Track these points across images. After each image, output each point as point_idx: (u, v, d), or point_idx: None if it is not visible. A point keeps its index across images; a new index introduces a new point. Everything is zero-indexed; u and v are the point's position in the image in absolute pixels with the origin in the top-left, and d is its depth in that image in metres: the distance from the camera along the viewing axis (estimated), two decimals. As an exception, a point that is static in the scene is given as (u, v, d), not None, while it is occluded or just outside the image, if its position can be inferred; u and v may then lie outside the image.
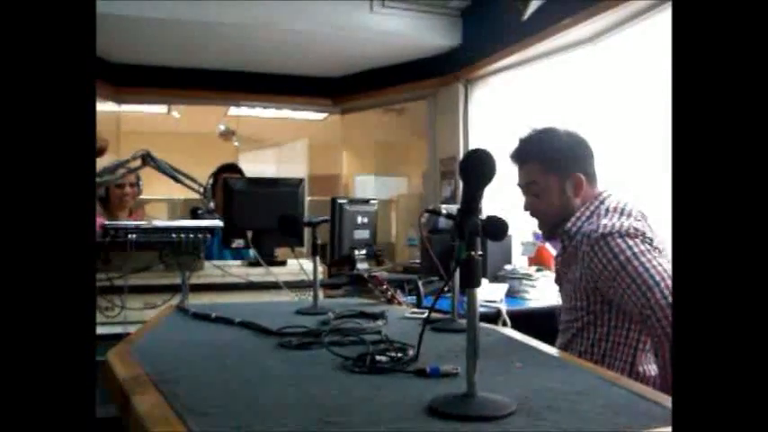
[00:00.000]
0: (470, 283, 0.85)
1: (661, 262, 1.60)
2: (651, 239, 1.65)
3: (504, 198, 2.61)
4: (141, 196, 3.64)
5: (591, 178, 1.82)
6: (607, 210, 1.74)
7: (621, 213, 1.72)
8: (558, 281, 1.88)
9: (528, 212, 1.88)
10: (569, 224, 1.79)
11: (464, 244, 0.85)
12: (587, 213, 1.77)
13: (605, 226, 1.66)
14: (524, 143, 1.85)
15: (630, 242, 1.61)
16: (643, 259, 1.59)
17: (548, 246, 3.60)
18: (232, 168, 3.84)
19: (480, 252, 0.85)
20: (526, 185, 1.86)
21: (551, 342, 1.31)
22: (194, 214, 3.75)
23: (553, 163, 1.80)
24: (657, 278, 1.56)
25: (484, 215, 0.89)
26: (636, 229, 1.63)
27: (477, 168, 0.84)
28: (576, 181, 1.79)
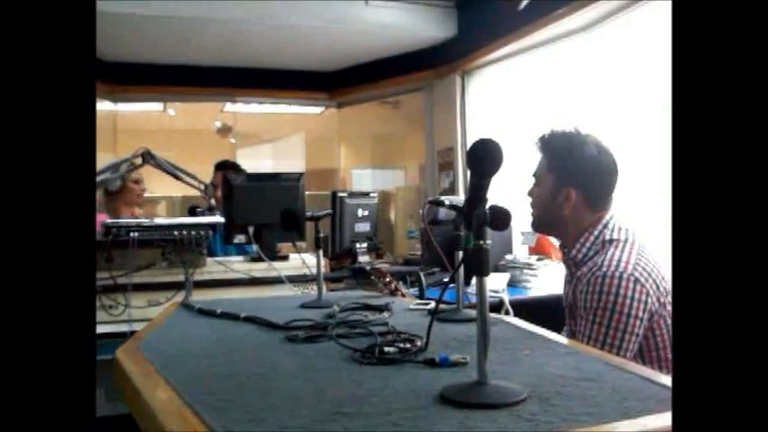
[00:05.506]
0: (480, 273, 0.85)
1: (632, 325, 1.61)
2: (656, 283, 1.65)
3: (504, 188, 2.62)
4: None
5: (592, 201, 1.78)
6: (611, 240, 1.74)
7: (624, 245, 1.71)
8: (568, 307, 1.85)
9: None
10: (574, 251, 1.79)
11: (472, 234, 0.86)
12: (591, 239, 1.77)
13: (609, 264, 1.66)
14: (549, 137, 1.83)
15: (622, 290, 1.62)
16: (616, 315, 1.61)
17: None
18: (229, 166, 3.85)
19: (489, 241, 0.85)
20: (533, 174, 1.87)
21: (555, 330, 1.31)
22: (192, 213, 3.76)
23: (557, 166, 1.80)
24: (610, 340, 1.61)
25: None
26: (636, 279, 1.63)
27: (485, 158, 0.84)
28: (567, 195, 1.78)
